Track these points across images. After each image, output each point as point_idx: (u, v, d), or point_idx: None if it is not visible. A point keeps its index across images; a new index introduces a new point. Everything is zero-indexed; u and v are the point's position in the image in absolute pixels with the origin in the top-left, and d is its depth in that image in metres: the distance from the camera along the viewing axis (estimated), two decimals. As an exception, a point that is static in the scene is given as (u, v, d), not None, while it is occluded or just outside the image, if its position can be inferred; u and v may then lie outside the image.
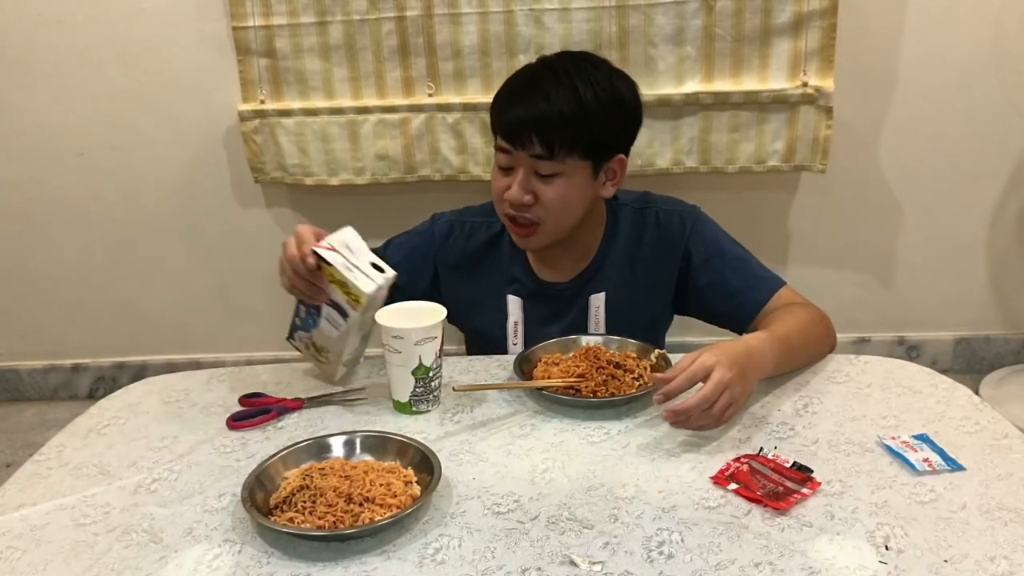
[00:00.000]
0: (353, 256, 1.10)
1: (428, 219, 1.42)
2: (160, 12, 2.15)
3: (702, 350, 1.03)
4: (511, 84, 1.26)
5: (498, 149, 1.25)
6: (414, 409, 1.11)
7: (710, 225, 1.36)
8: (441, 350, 1.11)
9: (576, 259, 1.34)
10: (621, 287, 1.34)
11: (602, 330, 1.33)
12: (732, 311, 1.31)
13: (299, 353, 1.25)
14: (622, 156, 1.28)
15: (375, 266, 1.12)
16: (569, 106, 1.19)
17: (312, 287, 1.12)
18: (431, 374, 1.10)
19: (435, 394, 1.12)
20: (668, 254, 1.34)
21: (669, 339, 1.46)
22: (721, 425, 1.03)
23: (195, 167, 2.30)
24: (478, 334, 1.42)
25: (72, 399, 2.57)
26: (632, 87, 1.27)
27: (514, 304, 1.35)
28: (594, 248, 1.34)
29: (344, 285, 1.09)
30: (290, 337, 1.25)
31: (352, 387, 1.20)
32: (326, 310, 1.15)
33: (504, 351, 1.36)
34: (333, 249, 1.10)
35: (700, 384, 1.00)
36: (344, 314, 1.13)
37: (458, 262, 1.38)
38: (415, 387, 1.10)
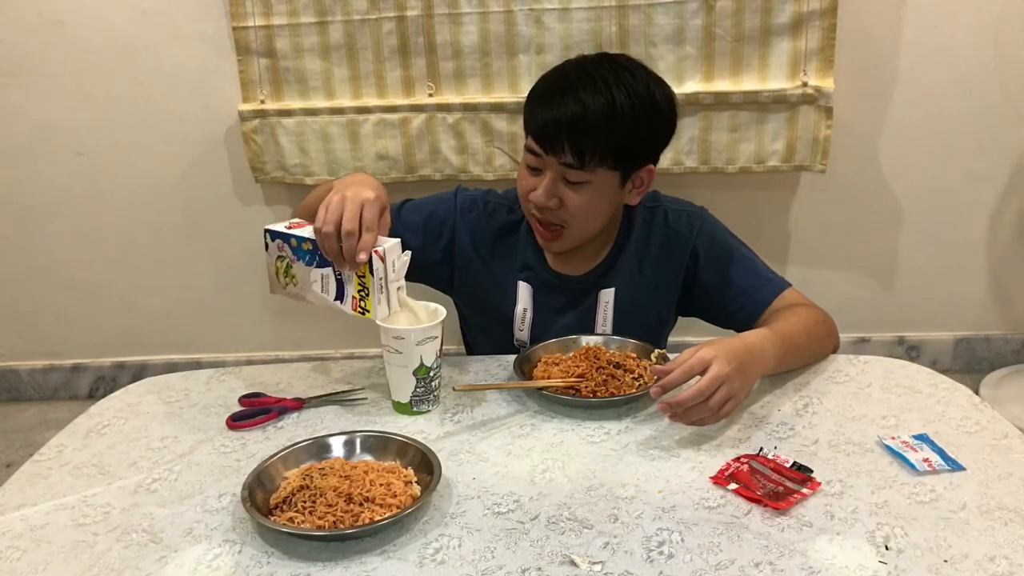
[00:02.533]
0: (392, 276, 1.08)
1: (451, 190, 1.40)
2: (160, 12, 2.15)
3: (701, 345, 1.03)
4: (547, 85, 1.23)
5: (528, 149, 1.24)
6: (415, 409, 1.11)
7: (717, 226, 1.36)
8: (441, 350, 1.11)
9: (591, 254, 1.35)
10: (630, 284, 1.34)
11: (609, 326, 1.33)
12: (737, 311, 1.31)
13: (266, 252, 1.15)
14: (651, 166, 1.27)
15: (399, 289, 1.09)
16: (604, 117, 1.17)
17: (339, 258, 1.07)
18: (432, 374, 1.10)
19: (435, 394, 1.12)
20: (675, 254, 1.34)
21: (669, 339, 1.46)
22: (720, 420, 1.03)
23: (195, 167, 2.30)
24: (485, 315, 1.42)
25: (72, 399, 2.57)
26: (669, 96, 1.24)
27: (524, 291, 1.35)
28: (608, 245, 1.35)
29: (364, 291, 1.07)
30: (272, 234, 1.15)
31: (352, 387, 1.20)
32: (328, 274, 1.10)
33: (508, 337, 1.36)
34: (383, 260, 1.06)
35: (698, 377, 1.00)
36: (340, 296, 1.09)
37: (475, 237, 1.37)
38: (416, 387, 1.10)
